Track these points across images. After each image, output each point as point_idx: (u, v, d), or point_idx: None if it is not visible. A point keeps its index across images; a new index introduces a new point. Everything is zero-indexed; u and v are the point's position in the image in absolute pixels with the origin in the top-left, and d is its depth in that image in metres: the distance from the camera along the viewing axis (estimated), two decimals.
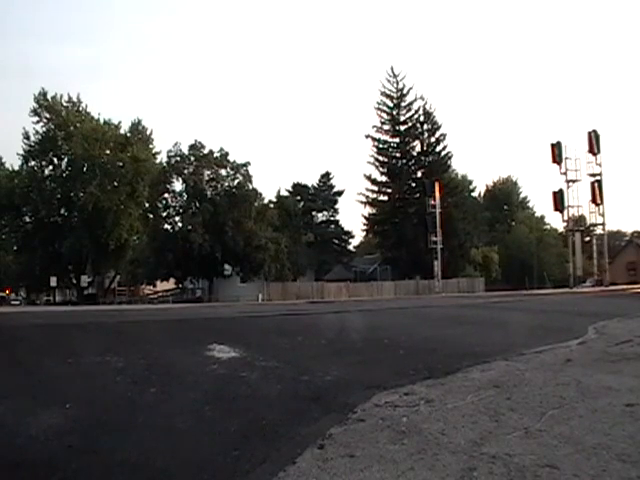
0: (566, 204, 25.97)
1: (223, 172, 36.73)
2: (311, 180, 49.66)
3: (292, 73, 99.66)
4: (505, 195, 57.54)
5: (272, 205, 40.45)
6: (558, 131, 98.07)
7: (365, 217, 45.25)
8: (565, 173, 26.31)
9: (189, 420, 3.47)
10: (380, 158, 43.82)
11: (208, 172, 36.46)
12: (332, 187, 49.04)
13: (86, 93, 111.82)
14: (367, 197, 43.98)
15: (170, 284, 40.86)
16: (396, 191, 42.65)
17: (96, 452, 2.90)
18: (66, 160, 36.88)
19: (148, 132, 38.75)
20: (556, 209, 26.24)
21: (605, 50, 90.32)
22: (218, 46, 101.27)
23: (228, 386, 4.37)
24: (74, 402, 3.87)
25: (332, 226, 49.00)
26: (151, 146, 38.74)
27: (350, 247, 50.42)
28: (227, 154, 36.73)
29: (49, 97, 36.66)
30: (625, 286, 23.01)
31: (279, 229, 37.82)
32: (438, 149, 43.49)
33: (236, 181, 36.60)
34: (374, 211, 44.55)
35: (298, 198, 46.64)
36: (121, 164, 36.18)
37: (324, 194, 48.35)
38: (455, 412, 3.37)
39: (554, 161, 26.46)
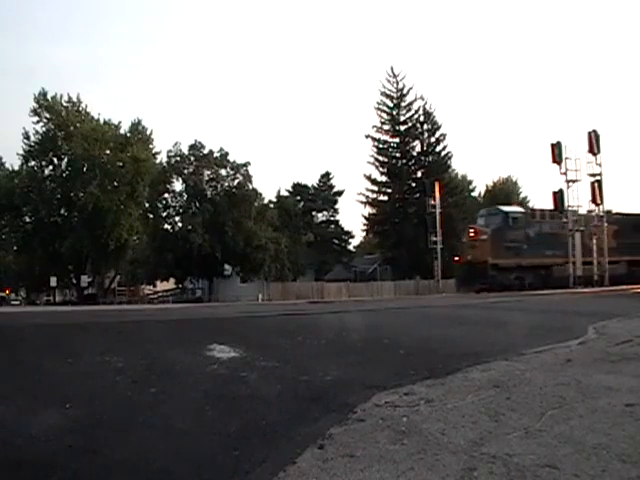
0: (566, 204, 25.92)
1: (223, 172, 36.75)
2: (311, 180, 49.71)
3: (292, 73, 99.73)
4: (505, 195, 57.47)
5: (272, 205, 40.47)
6: (558, 131, 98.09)
7: (365, 217, 45.29)
8: (565, 173, 26.25)
9: (189, 420, 3.47)
10: (380, 158, 43.84)
11: (208, 172, 36.48)
12: (332, 187, 49.06)
13: (86, 93, 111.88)
14: (367, 197, 44.02)
15: (170, 284, 40.87)
16: (396, 191, 42.66)
17: (96, 452, 2.90)
18: (66, 160, 36.87)
19: (148, 132, 38.77)
20: (556, 209, 26.17)
21: (605, 50, 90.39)
22: (218, 46, 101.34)
23: (228, 386, 4.37)
24: (74, 402, 3.87)
25: (332, 226, 49.02)
26: (151, 146, 38.75)
27: (350, 247, 50.43)
28: (227, 154, 36.77)
29: (49, 97, 36.66)
30: (625, 286, 22.99)
31: (279, 229, 37.83)
32: (438, 149, 43.53)
33: (236, 181, 36.63)
34: (374, 211, 44.57)
35: (298, 198, 46.65)
36: (121, 164, 36.18)
37: (324, 194, 48.37)
38: (455, 412, 3.37)
39: (554, 161, 26.39)
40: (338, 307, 13.97)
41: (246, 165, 36.63)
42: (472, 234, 26.16)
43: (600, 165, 26.50)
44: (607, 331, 7.28)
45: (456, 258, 28.45)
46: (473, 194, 53.30)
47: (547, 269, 25.39)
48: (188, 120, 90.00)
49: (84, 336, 7.98)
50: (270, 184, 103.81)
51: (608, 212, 29.30)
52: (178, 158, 36.65)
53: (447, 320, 10.14)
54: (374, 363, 5.37)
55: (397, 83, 43.71)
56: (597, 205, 26.55)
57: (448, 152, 43.39)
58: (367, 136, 43.67)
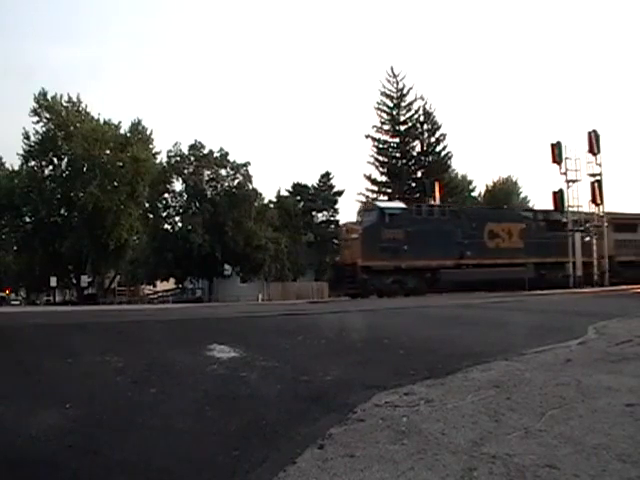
0: (566, 204, 25.87)
1: (223, 172, 36.83)
2: (311, 180, 49.75)
3: (292, 73, 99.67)
4: (505, 195, 57.50)
5: (272, 205, 40.53)
6: (558, 131, 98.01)
7: None
8: (565, 173, 26.20)
9: (189, 420, 3.47)
10: (380, 158, 43.88)
11: (208, 172, 36.56)
12: (332, 187, 49.11)
13: (86, 93, 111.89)
14: (367, 197, 44.01)
15: (170, 284, 40.94)
16: (396, 191, 42.67)
17: (96, 452, 2.90)
18: (66, 160, 36.93)
19: (148, 132, 38.81)
20: (556, 209, 26.12)
21: (605, 50, 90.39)
22: (218, 46, 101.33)
23: (228, 386, 4.37)
24: (74, 402, 3.87)
25: (332, 226, 49.02)
26: (151, 146, 38.79)
27: None
28: (227, 154, 36.86)
29: (49, 97, 36.73)
30: (625, 286, 22.95)
31: (279, 229, 37.89)
32: (438, 149, 43.60)
33: (236, 181, 36.71)
34: None
35: (298, 198, 46.70)
36: (121, 164, 36.22)
37: (324, 194, 48.41)
38: (455, 412, 3.37)
39: (554, 161, 26.33)
40: (338, 307, 13.97)
41: (246, 165, 36.72)
42: (345, 233, 23.58)
43: (600, 165, 26.47)
44: (607, 331, 7.28)
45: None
46: (473, 194, 53.34)
47: (434, 272, 22.10)
48: (188, 120, 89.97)
49: (84, 336, 7.98)
50: (270, 184, 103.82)
51: (513, 209, 27.79)
52: (178, 158, 36.71)
53: (447, 320, 10.14)
54: (374, 363, 5.37)
55: (397, 83, 43.77)
56: (597, 205, 26.50)
57: (448, 152, 43.51)
58: (367, 136, 43.74)
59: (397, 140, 43.61)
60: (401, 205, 24.54)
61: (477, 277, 22.04)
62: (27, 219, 37.66)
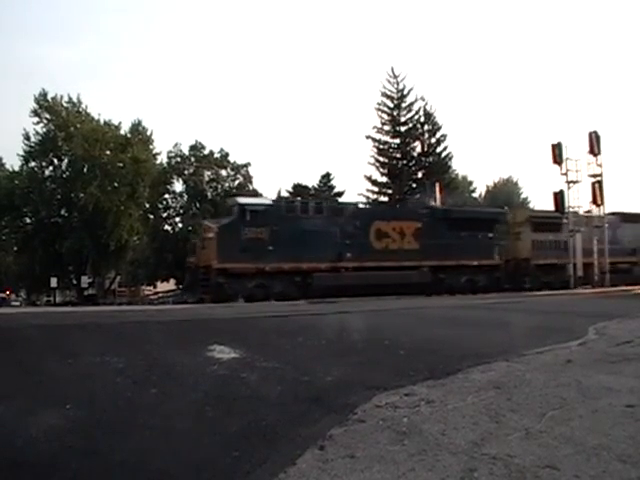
0: (567, 205, 25.87)
1: (223, 173, 36.89)
2: (311, 181, 49.75)
3: (292, 74, 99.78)
4: (506, 196, 57.48)
5: None
6: (559, 132, 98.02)
7: None
8: (566, 174, 26.21)
9: (189, 421, 3.47)
10: (380, 159, 43.82)
11: (208, 173, 36.61)
12: (332, 188, 49.11)
13: (86, 94, 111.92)
14: (367, 198, 43.98)
15: (170, 285, 40.89)
16: (397, 192, 42.66)
17: (96, 452, 2.90)
18: (66, 161, 36.90)
19: (148, 133, 38.79)
20: (557, 210, 26.11)
21: (605, 50, 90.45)
22: (218, 46, 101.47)
23: (228, 387, 4.37)
24: (74, 402, 3.87)
25: None
26: (151, 147, 38.76)
27: None
28: (227, 155, 36.90)
29: (49, 98, 36.73)
30: (625, 287, 22.95)
31: None
32: (439, 150, 43.54)
33: (237, 182, 36.76)
34: None
35: (299, 199, 46.67)
36: (121, 165, 36.20)
37: (324, 195, 48.39)
38: (456, 413, 3.37)
39: (555, 162, 26.34)
40: (338, 308, 13.96)
41: (247, 166, 36.78)
42: (202, 232, 21.45)
43: (601, 166, 26.48)
44: (607, 332, 7.27)
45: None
46: (474, 195, 53.36)
47: (305, 276, 19.75)
48: (188, 120, 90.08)
49: (84, 336, 7.99)
50: (271, 185, 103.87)
51: (407, 206, 26.20)
52: (178, 159, 36.74)
53: (447, 321, 10.14)
54: (374, 364, 5.36)
55: (397, 84, 43.71)
56: (598, 206, 26.47)
57: (449, 153, 43.48)
58: (367, 137, 43.66)
59: (398, 141, 43.56)
60: (266, 201, 22.22)
61: (359, 281, 19.89)
62: (27, 220, 37.65)
